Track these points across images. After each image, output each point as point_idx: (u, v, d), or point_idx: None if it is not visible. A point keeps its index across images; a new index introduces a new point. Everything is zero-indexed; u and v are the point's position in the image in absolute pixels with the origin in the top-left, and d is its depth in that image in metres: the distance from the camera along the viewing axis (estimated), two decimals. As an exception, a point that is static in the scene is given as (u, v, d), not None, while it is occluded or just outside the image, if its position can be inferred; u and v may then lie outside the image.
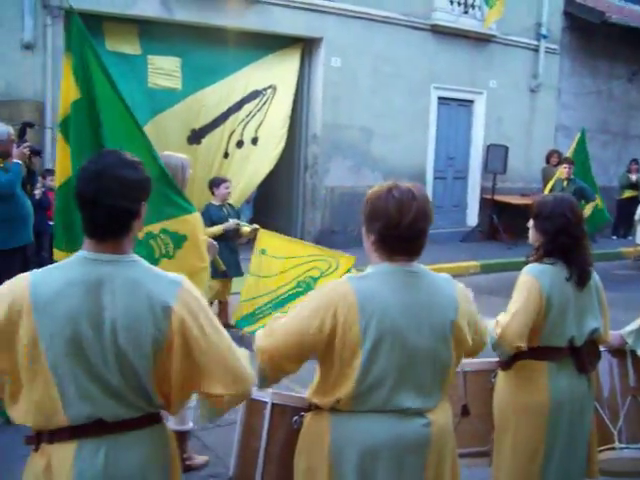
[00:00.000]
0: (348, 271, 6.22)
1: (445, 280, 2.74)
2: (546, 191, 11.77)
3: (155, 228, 4.54)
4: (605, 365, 3.95)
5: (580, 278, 3.39)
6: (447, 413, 2.76)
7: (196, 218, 4.67)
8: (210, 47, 11.75)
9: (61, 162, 4.63)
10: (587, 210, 11.53)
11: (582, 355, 3.44)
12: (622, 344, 3.93)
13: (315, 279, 6.51)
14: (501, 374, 3.57)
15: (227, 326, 8.13)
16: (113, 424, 2.23)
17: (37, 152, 7.18)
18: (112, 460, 2.22)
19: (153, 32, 11.32)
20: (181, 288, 2.28)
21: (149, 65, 11.31)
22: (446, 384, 2.70)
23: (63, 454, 2.21)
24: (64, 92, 4.71)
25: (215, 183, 7.90)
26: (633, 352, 3.94)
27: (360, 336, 2.48)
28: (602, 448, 3.79)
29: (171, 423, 4.63)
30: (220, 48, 11.83)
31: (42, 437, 2.24)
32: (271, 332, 2.62)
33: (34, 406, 2.20)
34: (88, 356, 2.18)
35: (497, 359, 3.57)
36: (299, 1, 12.24)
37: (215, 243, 5.18)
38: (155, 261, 4.52)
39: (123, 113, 4.65)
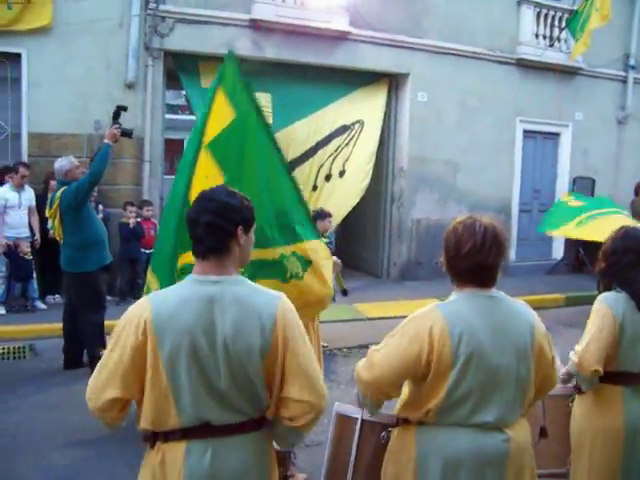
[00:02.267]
0: None
1: (521, 305, 2.97)
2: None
3: (287, 250, 4.88)
4: None
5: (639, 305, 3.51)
6: (526, 431, 2.94)
7: (321, 245, 4.98)
8: (299, 83, 12.15)
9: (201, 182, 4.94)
10: None
11: None
12: None
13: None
14: (578, 398, 3.70)
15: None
16: (219, 427, 2.53)
17: (128, 133, 7.40)
18: (218, 459, 2.51)
19: (245, 69, 11.70)
20: (282, 302, 2.61)
21: (241, 101, 11.73)
22: (526, 402, 2.89)
23: (175, 452, 2.52)
24: (215, 115, 5.12)
25: (321, 216, 8.24)
26: None
27: (452, 356, 2.71)
28: None
29: (275, 443, 4.89)
30: (309, 84, 12.23)
31: (158, 436, 2.56)
32: (372, 365, 2.85)
33: (151, 412, 2.51)
34: (203, 365, 2.48)
35: (574, 384, 3.71)
36: (386, 38, 12.55)
37: (339, 261, 5.42)
38: (285, 280, 4.86)
39: (267, 145, 5.04)
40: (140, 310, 2.51)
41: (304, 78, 12.18)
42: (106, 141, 7.11)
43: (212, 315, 2.49)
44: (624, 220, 10.10)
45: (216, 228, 2.56)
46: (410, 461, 2.81)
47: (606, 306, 3.53)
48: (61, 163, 7.16)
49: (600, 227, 10.40)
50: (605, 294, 3.62)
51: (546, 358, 2.91)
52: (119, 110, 7.21)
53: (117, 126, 7.14)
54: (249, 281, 2.67)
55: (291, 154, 12.14)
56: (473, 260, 2.79)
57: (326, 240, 8.15)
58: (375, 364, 2.83)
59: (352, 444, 3.19)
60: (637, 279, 3.55)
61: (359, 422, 3.21)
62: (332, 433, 3.34)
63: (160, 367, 2.46)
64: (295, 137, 12.19)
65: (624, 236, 3.67)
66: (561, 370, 3.85)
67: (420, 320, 2.80)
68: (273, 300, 2.59)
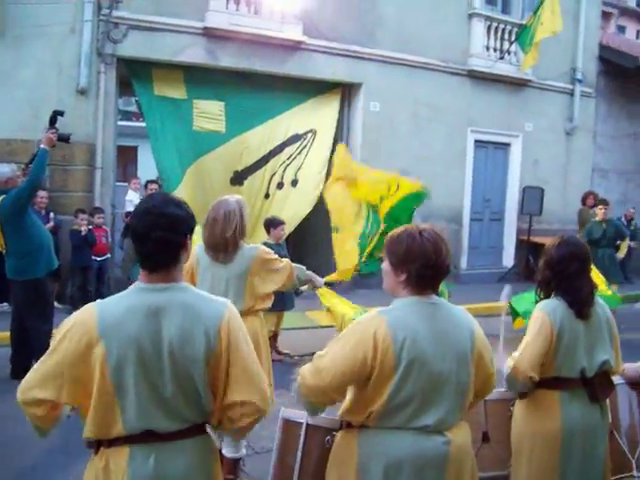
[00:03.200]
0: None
1: (461, 311, 3.03)
2: (582, 234, 11.89)
3: None
4: (624, 396, 4.15)
5: (580, 311, 3.61)
6: (466, 433, 3.00)
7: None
8: (253, 92, 12.18)
9: None
10: (623, 248, 11.64)
11: (594, 385, 3.63)
12: (637, 377, 4.12)
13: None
14: (518, 403, 3.78)
15: (280, 353, 8.43)
16: (163, 434, 2.53)
17: (65, 138, 7.35)
18: (161, 464, 2.52)
19: (199, 77, 11.77)
20: (227, 309, 2.62)
21: (194, 109, 11.77)
22: (465, 406, 2.96)
23: (119, 457, 2.51)
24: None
25: (273, 224, 8.28)
26: None
27: (395, 361, 2.75)
28: (621, 476, 3.97)
29: (225, 450, 4.88)
30: (262, 93, 12.26)
31: (102, 442, 2.55)
32: (318, 371, 2.87)
33: (96, 421, 2.50)
34: (149, 374, 2.49)
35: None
36: (339, 47, 12.66)
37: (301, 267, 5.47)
38: None
39: None
40: (85, 317, 2.49)
41: (257, 87, 12.22)
42: (42, 146, 7.00)
43: (159, 323, 2.49)
44: None
45: (168, 243, 2.53)
46: (352, 464, 2.84)
47: (544, 314, 3.60)
48: (2, 170, 7.06)
49: None
50: (544, 302, 3.70)
51: (485, 362, 2.98)
52: (55, 115, 7.16)
53: (53, 131, 7.08)
54: (195, 289, 2.69)
55: (244, 162, 12.22)
56: (421, 263, 2.84)
57: (281, 250, 8.21)
58: (321, 369, 2.85)
59: (297, 448, 3.22)
60: (582, 287, 3.63)
61: (304, 427, 3.24)
62: (278, 438, 3.37)
63: (106, 376, 2.44)
64: (248, 145, 12.24)
65: (569, 244, 3.74)
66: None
67: (364, 326, 2.84)
68: (219, 307, 2.61)
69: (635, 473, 3.99)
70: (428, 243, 2.86)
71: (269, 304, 5.18)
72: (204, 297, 2.66)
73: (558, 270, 3.69)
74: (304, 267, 5.46)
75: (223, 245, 4.80)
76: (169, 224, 2.53)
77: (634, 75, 16.22)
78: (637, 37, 32.63)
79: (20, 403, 2.51)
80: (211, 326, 2.53)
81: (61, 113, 7.28)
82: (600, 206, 11.58)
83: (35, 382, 2.49)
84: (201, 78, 11.80)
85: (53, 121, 7.14)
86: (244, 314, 4.79)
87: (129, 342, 2.45)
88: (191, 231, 2.65)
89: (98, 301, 2.59)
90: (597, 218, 11.52)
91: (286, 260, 5.24)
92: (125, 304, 2.52)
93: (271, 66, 12.10)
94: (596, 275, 7.84)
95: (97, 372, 2.44)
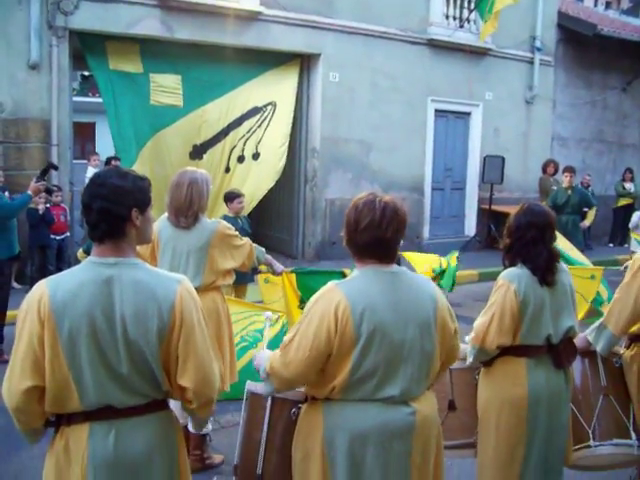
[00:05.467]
0: (283, 327, 6.21)
1: (423, 279, 3.03)
2: (547, 201, 11.99)
3: None
4: (578, 366, 4.17)
5: (543, 278, 3.62)
6: (432, 403, 3.00)
7: None
8: (210, 64, 12.01)
9: None
10: (590, 217, 11.76)
11: (559, 352, 3.67)
12: (587, 346, 4.16)
13: (261, 330, 6.33)
14: (483, 371, 3.80)
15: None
16: (122, 409, 2.51)
17: (50, 191, 7.63)
18: (122, 440, 2.50)
19: (154, 51, 11.57)
20: (181, 286, 2.57)
21: (151, 83, 11.57)
22: (431, 375, 2.94)
23: (78, 435, 2.49)
24: None
25: (230, 197, 8.25)
26: None
27: (355, 333, 2.73)
28: (578, 447, 4.00)
29: (190, 426, 4.88)
30: (220, 65, 12.10)
31: (62, 420, 2.53)
32: (288, 363, 2.83)
33: (52, 395, 2.47)
34: (103, 348, 2.45)
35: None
36: (297, 18, 12.50)
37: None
38: None
39: None
40: (37, 295, 2.47)
41: (215, 59, 12.04)
42: (29, 192, 7.07)
43: (111, 298, 2.46)
44: None
45: (109, 214, 2.51)
46: (318, 437, 2.83)
47: (508, 282, 3.61)
48: None
49: None
50: (508, 270, 3.71)
51: (449, 330, 2.97)
52: (49, 168, 7.29)
53: (43, 183, 7.17)
54: (147, 264, 2.63)
55: (203, 136, 12.09)
56: (372, 234, 2.82)
57: (239, 223, 8.17)
58: (291, 361, 2.81)
59: (264, 421, 3.20)
60: (541, 254, 3.64)
61: (270, 399, 3.22)
62: (244, 411, 3.36)
63: (59, 351, 2.42)
64: (207, 119, 12.09)
65: (527, 212, 3.74)
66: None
67: (322, 302, 2.81)
68: (172, 284, 2.56)
69: (592, 443, 4.03)
70: (380, 214, 2.83)
71: (230, 281, 5.16)
72: (157, 274, 2.60)
73: (516, 238, 3.72)
74: (264, 250, 5.44)
75: (186, 209, 4.79)
76: (109, 194, 2.51)
77: (592, 43, 16.29)
78: (595, 5, 32.90)
79: (12, 411, 2.49)
80: (164, 305, 2.49)
81: (55, 167, 7.44)
82: (566, 173, 11.67)
83: (16, 375, 2.46)
84: (157, 51, 11.59)
85: (44, 173, 7.28)
86: (205, 289, 4.78)
87: (81, 316, 2.43)
88: (139, 204, 2.59)
89: (49, 277, 2.57)
90: (563, 185, 11.61)
91: (246, 239, 5.21)
92: (76, 279, 2.49)
93: (228, 38, 11.90)
94: (563, 242, 7.94)
95: (49, 347, 2.42)
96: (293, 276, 6.34)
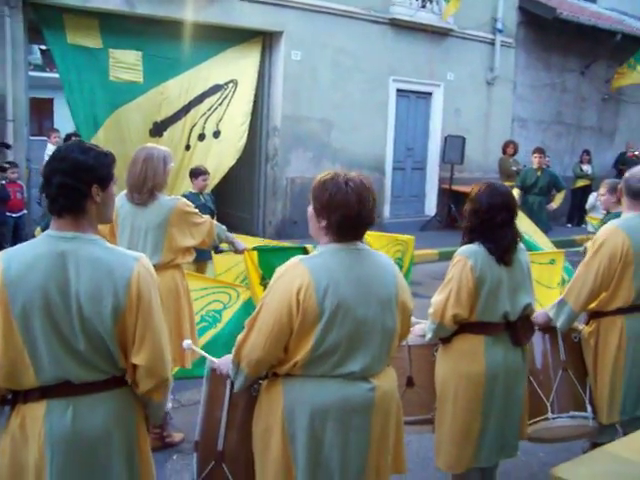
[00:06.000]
0: (249, 300, 6.19)
1: (385, 257, 3.05)
2: (516, 181, 12.12)
3: None
4: (538, 341, 4.30)
5: (501, 257, 3.67)
6: (392, 379, 3.04)
7: None
8: (171, 40, 11.82)
9: None
10: (558, 199, 11.89)
11: (516, 329, 3.74)
12: (548, 321, 4.28)
13: (219, 311, 6.26)
14: (442, 347, 3.85)
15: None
16: (79, 385, 2.48)
17: (3, 169, 7.52)
18: (79, 417, 2.47)
19: (114, 25, 11.34)
20: (139, 263, 2.54)
21: (110, 59, 11.35)
22: (391, 351, 2.98)
23: (35, 412, 2.46)
24: None
25: (194, 174, 8.30)
26: None
27: (318, 309, 2.74)
28: (537, 419, 4.12)
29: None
30: (181, 41, 11.91)
31: (18, 398, 2.50)
32: (253, 343, 2.82)
33: (7, 371, 2.44)
34: (57, 322, 2.42)
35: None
36: (260, -5, 12.37)
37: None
38: None
39: None
40: None
41: (176, 36, 11.85)
42: None
43: (66, 272, 2.43)
44: None
45: (68, 189, 2.47)
46: (278, 413, 2.84)
47: (465, 258, 3.66)
48: None
49: None
50: (465, 246, 3.75)
51: (408, 309, 3.01)
52: (1, 147, 7.14)
53: None
54: (105, 241, 2.60)
55: (163, 113, 11.94)
56: (342, 213, 2.81)
57: (204, 200, 8.17)
58: (256, 340, 2.81)
59: (224, 399, 3.19)
60: (506, 236, 3.68)
61: None
62: (205, 388, 3.34)
63: (13, 325, 2.40)
64: (167, 96, 11.94)
65: (485, 190, 3.77)
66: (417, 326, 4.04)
67: (286, 278, 2.80)
68: (129, 262, 2.53)
69: (550, 415, 4.14)
70: (352, 193, 2.82)
71: (190, 259, 5.14)
72: (115, 251, 2.57)
73: (485, 219, 3.72)
74: (225, 227, 5.41)
75: (140, 185, 4.76)
76: (69, 169, 2.48)
77: (552, 26, 16.39)
78: None
79: None
80: (120, 283, 2.46)
81: (7, 146, 7.24)
82: (535, 154, 11.73)
83: None
84: (117, 26, 11.36)
85: None
86: (164, 267, 4.76)
87: (34, 290, 2.39)
88: (100, 181, 2.55)
89: (4, 250, 2.54)
90: (533, 166, 11.72)
91: (207, 217, 5.17)
92: (32, 252, 2.46)
93: (190, 14, 11.71)
94: (528, 224, 8.00)
95: (2, 320, 2.39)
96: (255, 254, 6.30)
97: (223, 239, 5.40)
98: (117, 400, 2.57)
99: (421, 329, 3.97)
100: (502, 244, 3.66)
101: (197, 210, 5.10)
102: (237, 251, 5.84)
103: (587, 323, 4.41)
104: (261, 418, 2.95)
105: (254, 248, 6.38)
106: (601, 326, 4.30)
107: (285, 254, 6.02)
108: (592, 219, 11.86)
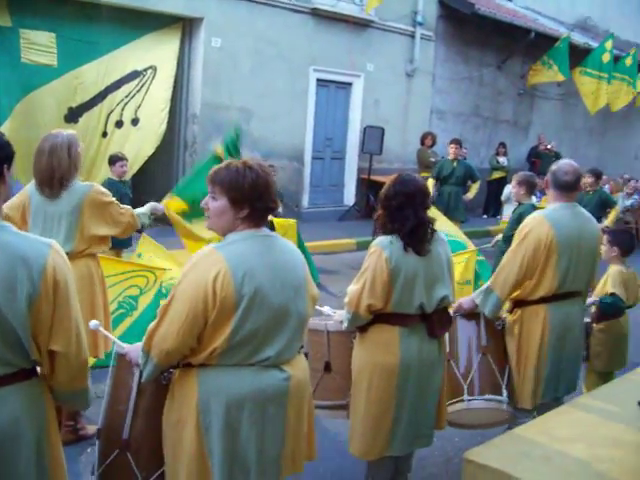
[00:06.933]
0: (161, 284, 6.17)
1: (290, 243, 3.08)
2: (425, 173, 12.31)
3: None
4: (461, 326, 4.43)
5: (414, 247, 3.71)
6: (304, 367, 3.06)
7: None
8: (88, 23, 11.52)
9: None
10: (473, 190, 12.12)
11: (432, 321, 3.79)
12: (474, 307, 4.41)
13: (136, 298, 6.23)
14: (358, 336, 3.89)
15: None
16: None
17: None
18: None
19: (25, 4, 10.87)
20: (52, 250, 2.45)
21: (22, 39, 10.92)
22: (302, 338, 3.02)
23: None
24: None
25: (112, 160, 8.26)
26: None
27: (236, 297, 2.72)
28: (453, 401, 4.25)
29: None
30: (98, 25, 11.61)
31: None
32: (165, 332, 2.77)
33: None
34: None
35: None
36: (179, -20, 12.18)
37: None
38: None
39: None
40: None
41: (93, 18, 11.55)
42: None
43: None
44: None
45: None
46: (192, 405, 2.81)
47: (380, 248, 3.69)
48: None
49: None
50: (380, 237, 3.78)
51: (314, 295, 3.08)
52: None
53: None
54: (14, 228, 2.49)
55: (79, 99, 11.63)
56: (260, 202, 2.84)
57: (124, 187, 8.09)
58: (168, 330, 2.76)
59: (132, 385, 3.11)
60: (407, 219, 3.70)
61: None
62: (112, 374, 3.25)
63: None
64: (83, 81, 11.62)
65: (396, 181, 3.83)
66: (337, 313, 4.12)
67: (201, 266, 2.77)
68: (43, 248, 2.44)
69: (465, 397, 4.26)
70: (268, 177, 2.88)
71: (105, 248, 5.00)
72: (26, 237, 2.47)
73: (385, 206, 3.79)
74: (145, 210, 5.24)
75: (48, 179, 4.59)
76: None
77: (471, 21, 16.70)
78: None
79: None
80: (34, 270, 2.36)
81: None
82: (452, 145, 11.85)
83: None
84: (28, 5, 10.89)
85: None
86: (77, 256, 4.63)
87: None
88: (8, 160, 2.46)
89: None
90: (449, 157, 11.84)
91: (127, 207, 5.02)
92: None
93: (107, -4, 11.46)
94: (444, 221, 8.16)
95: None
96: (176, 203, 6.10)
97: (148, 223, 5.27)
98: (25, 393, 2.48)
99: (341, 315, 4.00)
100: (405, 228, 3.69)
101: (115, 199, 4.95)
102: (159, 216, 5.69)
103: (511, 311, 4.53)
104: (173, 410, 2.90)
105: (172, 195, 6.17)
106: (524, 315, 4.42)
107: (201, 178, 5.96)
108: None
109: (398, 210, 3.74)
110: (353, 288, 3.74)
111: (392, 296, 3.69)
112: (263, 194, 2.85)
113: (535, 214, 4.48)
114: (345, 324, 3.85)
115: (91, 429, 4.97)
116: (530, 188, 7.21)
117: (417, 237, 3.72)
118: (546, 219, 4.33)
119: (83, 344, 2.53)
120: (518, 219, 6.96)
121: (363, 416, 3.83)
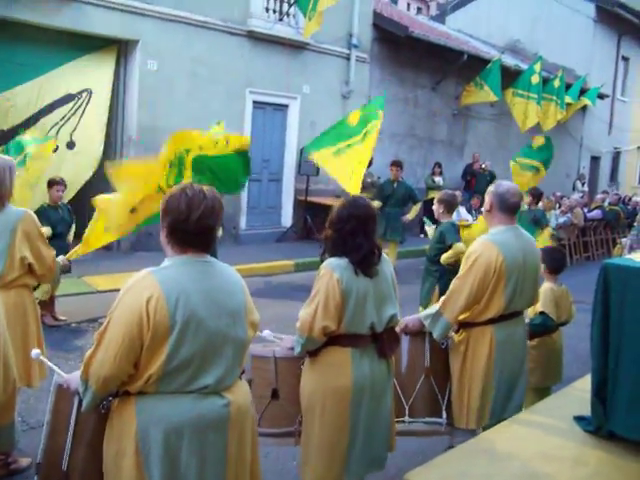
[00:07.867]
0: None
1: (231, 269, 3.07)
2: (365, 194, 12.38)
3: None
4: (405, 346, 4.46)
5: (362, 270, 3.73)
6: (245, 393, 3.05)
7: None
8: (19, 44, 11.34)
9: None
10: (413, 211, 12.29)
11: (382, 341, 3.81)
12: (421, 327, 4.45)
13: None
14: (309, 361, 3.86)
15: (56, 319, 8.21)
16: None
17: None
18: None
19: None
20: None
21: (-51, 58, 10.73)
22: (242, 363, 3.01)
23: None
24: None
25: (49, 184, 8.13)
26: (431, 335, 4.46)
27: (169, 322, 2.71)
28: (395, 420, 4.21)
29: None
30: (31, 46, 11.45)
31: None
32: (102, 359, 2.75)
33: None
34: None
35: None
36: (114, 2, 12.08)
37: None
38: None
39: None
40: None
41: (25, 40, 11.38)
42: None
43: None
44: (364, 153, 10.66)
45: None
46: (131, 434, 2.78)
47: (331, 270, 3.68)
48: None
49: (345, 161, 10.80)
50: (329, 260, 3.78)
51: (255, 320, 3.06)
52: None
53: None
54: None
55: (10, 122, 11.38)
56: (201, 224, 2.82)
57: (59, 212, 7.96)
58: (105, 356, 2.74)
59: (71, 415, 3.06)
60: (361, 247, 3.72)
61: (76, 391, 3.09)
62: (51, 405, 3.20)
63: None
64: (15, 103, 11.42)
65: (349, 205, 3.84)
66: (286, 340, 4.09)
67: (134, 290, 2.76)
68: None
69: (406, 419, 4.32)
70: (185, 198, 2.83)
71: (33, 282, 4.91)
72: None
73: (336, 229, 3.80)
74: (59, 261, 5.22)
75: None
76: None
77: (405, 44, 17.04)
78: (408, 9, 35.67)
79: None
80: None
81: None
82: (392, 167, 12.14)
83: None
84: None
85: None
86: (10, 285, 4.52)
87: None
88: None
89: None
90: (390, 178, 12.09)
91: (52, 252, 4.95)
92: None
93: (40, 17, 11.28)
94: None
95: None
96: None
97: (58, 278, 5.24)
98: None
99: (291, 341, 3.97)
100: (358, 255, 3.70)
101: (43, 234, 4.89)
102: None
103: (457, 332, 4.57)
104: (113, 441, 2.86)
105: None
106: (471, 336, 4.47)
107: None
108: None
109: (351, 235, 3.75)
110: (305, 312, 3.70)
111: (344, 317, 3.68)
112: (171, 214, 2.84)
113: (481, 239, 4.50)
114: (298, 349, 3.81)
115: (24, 461, 4.82)
116: (449, 207, 7.27)
117: (368, 263, 3.75)
118: (494, 244, 4.38)
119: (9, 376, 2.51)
120: (439, 238, 7.11)
121: (317, 443, 3.78)
